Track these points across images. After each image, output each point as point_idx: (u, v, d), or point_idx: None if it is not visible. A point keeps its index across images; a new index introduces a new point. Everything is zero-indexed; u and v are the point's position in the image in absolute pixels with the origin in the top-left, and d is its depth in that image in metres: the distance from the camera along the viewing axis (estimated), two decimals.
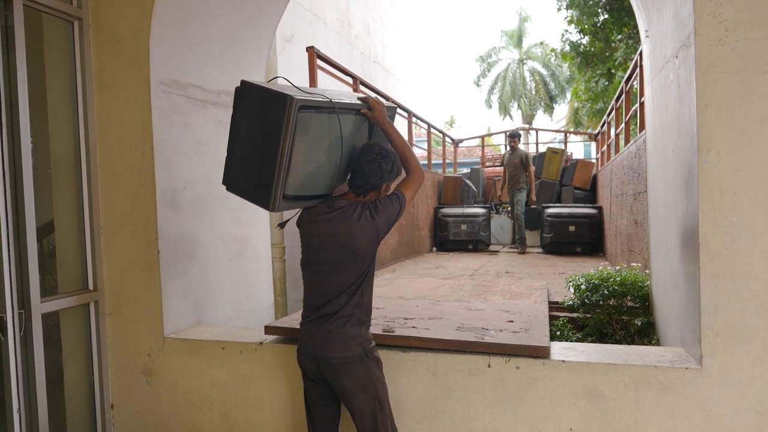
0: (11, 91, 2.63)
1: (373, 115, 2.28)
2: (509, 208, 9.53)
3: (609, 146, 9.34)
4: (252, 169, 2.12)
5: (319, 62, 5.24)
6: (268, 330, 2.86)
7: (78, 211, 3.10)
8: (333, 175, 2.23)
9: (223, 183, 2.24)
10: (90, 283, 3.12)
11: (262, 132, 2.06)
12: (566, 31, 13.10)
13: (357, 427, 2.20)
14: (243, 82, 2.15)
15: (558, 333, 4.18)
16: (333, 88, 2.86)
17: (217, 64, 3.54)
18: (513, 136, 9.20)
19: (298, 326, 2.78)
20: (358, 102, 2.31)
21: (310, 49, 5.14)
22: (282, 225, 2.37)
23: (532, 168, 9.04)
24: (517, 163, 8.88)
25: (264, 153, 2.05)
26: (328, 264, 2.17)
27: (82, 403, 3.14)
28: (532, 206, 9.79)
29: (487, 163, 15.83)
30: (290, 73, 6.38)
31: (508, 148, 9.28)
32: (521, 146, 9.79)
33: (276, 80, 2.22)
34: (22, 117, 2.64)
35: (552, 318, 4.07)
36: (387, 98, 6.32)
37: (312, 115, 2.08)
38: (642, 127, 5.37)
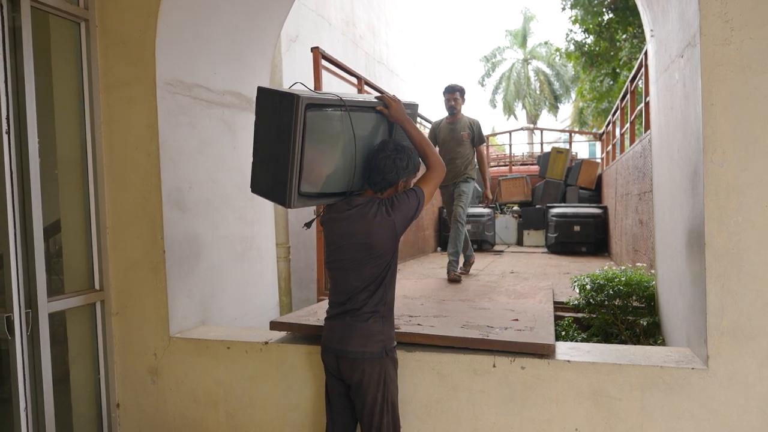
0: (19, 91, 2.65)
1: (389, 113, 2.30)
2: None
3: (614, 146, 9.30)
4: (270, 170, 2.20)
5: (324, 63, 5.24)
6: (274, 326, 2.86)
7: (84, 210, 3.12)
8: (350, 173, 2.25)
9: (250, 187, 2.33)
10: (96, 283, 3.14)
11: (276, 133, 2.14)
12: (571, 30, 13.08)
13: (362, 423, 2.21)
14: (258, 88, 2.22)
15: (563, 333, 4.17)
16: (352, 93, 2.88)
17: (222, 65, 3.55)
18: (453, 91, 4.99)
19: (303, 322, 2.81)
20: (374, 100, 2.33)
21: (315, 50, 5.15)
22: (308, 225, 2.43)
23: (484, 148, 5.30)
24: (464, 138, 4.93)
25: (279, 153, 2.13)
26: (349, 261, 2.20)
27: (88, 402, 3.16)
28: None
29: (492, 163, 15.82)
30: (295, 74, 6.40)
31: (447, 114, 5.07)
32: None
33: (295, 85, 2.27)
34: (29, 117, 2.66)
35: (557, 318, 4.07)
36: None
37: (323, 115, 2.14)
38: (647, 126, 5.36)
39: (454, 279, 4.68)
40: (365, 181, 2.28)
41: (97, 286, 3.14)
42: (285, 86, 5.96)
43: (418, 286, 4.21)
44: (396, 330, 2.61)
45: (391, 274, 2.22)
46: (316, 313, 3.04)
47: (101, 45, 3.12)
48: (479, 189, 11.59)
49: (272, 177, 2.19)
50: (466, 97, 5.03)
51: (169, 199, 3.09)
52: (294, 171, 2.08)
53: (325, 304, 2.42)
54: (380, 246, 2.16)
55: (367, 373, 2.16)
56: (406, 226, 2.19)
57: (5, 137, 2.55)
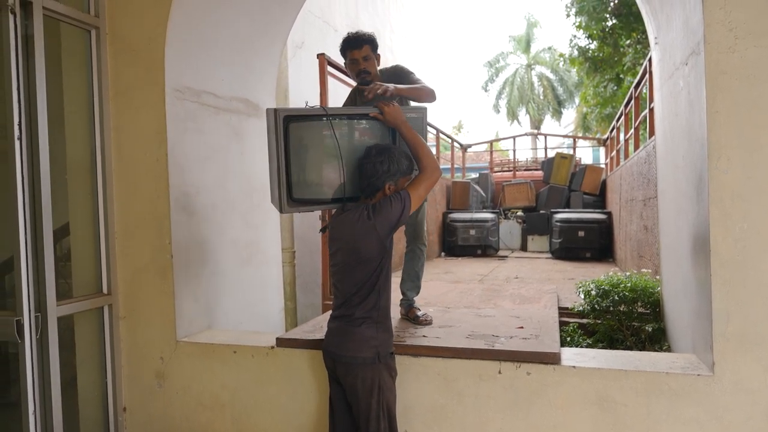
0: (30, 97, 2.68)
1: (385, 118, 2.37)
2: None
3: (618, 151, 9.29)
4: (272, 178, 2.41)
5: (329, 69, 5.27)
6: (280, 342, 2.86)
7: (93, 215, 3.15)
8: (341, 179, 2.35)
9: (271, 200, 2.51)
10: (104, 287, 3.16)
11: (270, 145, 2.37)
12: (575, 36, 13.08)
13: (360, 429, 2.22)
14: (267, 110, 2.41)
15: (568, 339, 4.17)
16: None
17: (229, 71, 3.59)
18: (359, 44, 2.76)
19: (309, 338, 2.81)
20: (372, 108, 2.41)
21: (321, 56, 5.17)
22: (323, 230, 2.54)
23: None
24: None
25: (272, 163, 2.35)
26: (343, 265, 2.25)
27: (95, 405, 3.18)
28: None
29: (496, 168, 15.83)
30: (301, 80, 6.43)
31: (357, 83, 2.95)
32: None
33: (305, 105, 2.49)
34: (40, 123, 2.70)
35: (562, 324, 4.07)
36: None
37: (307, 125, 2.36)
38: (652, 132, 5.36)
39: (425, 320, 3.06)
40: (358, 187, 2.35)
41: (105, 291, 3.16)
42: (290, 91, 6.04)
43: (422, 292, 4.21)
44: (401, 342, 2.62)
45: (383, 279, 2.23)
46: (322, 327, 3.03)
47: (111, 52, 3.16)
48: (482, 194, 11.61)
49: (274, 185, 2.39)
50: (379, 46, 2.91)
51: (177, 204, 3.11)
52: (281, 179, 2.29)
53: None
54: (366, 250, 2.18)
55: (360, 378, 2.17)
56: (389, 230, 2.18)
57: (17, 143, 2.59)
